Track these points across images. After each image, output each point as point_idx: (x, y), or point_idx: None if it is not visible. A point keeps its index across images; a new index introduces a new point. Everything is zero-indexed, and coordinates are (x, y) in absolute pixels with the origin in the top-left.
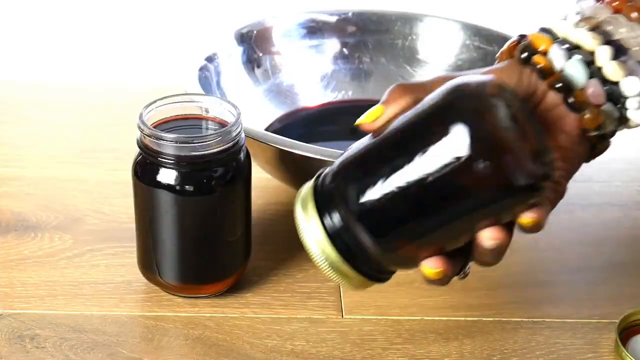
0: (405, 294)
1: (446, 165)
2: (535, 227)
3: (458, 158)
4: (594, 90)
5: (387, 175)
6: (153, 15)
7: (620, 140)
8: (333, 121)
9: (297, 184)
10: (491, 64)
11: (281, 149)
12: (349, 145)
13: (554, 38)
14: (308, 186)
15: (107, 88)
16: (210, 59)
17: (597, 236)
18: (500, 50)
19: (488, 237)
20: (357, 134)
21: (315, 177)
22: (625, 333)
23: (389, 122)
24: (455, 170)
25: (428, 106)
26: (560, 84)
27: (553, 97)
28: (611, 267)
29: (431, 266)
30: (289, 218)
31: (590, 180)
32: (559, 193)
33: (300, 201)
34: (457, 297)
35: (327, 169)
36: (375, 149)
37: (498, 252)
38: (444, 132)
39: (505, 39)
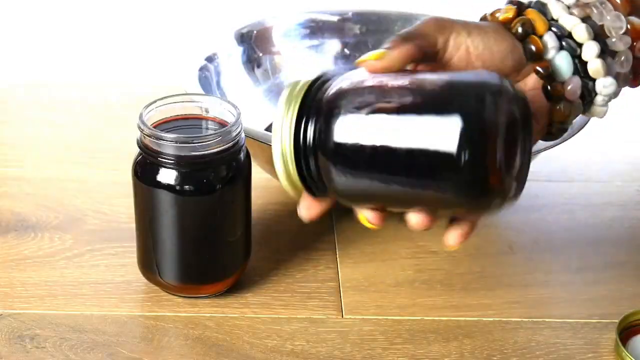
0: (405, 294)
1: (430, 151)
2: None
3: (443, 150)
4: (573, 87)
5: (380, 127)
6: (153, 15)
7: (621, 140)
8: None
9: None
10: None
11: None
12: None
13: (549, 19)
14: (304, 83)
15: (107, 88)
16: (210, 59)
17: (597, 236)
18: (493, 11)
19: (416, 221)
20: None
21: (316, 77)
22: (625, 333)
23: (389, 68)
24: (433, 159)
25: (444, 84)
26: (546, 73)
27: (534, 80)
28: (611, 267)
29: (369, 219)
30: (289, 218)
31: (590, 180)
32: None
33: (289, 92)
34: (457, 297)
35: (331, 81)
36: (381, 96)
37: (418, 230)
38: (446, 117)
39: None
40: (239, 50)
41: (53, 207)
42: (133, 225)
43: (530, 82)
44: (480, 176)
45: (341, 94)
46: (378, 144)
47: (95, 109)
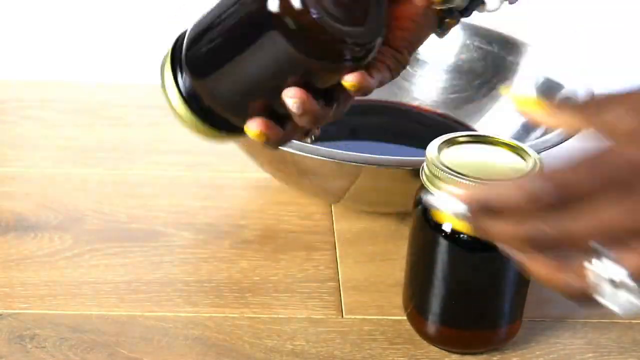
0: None
1: (255, 16)
2: (358, 89)
3: (267, 11)
4: None
5: (211, 26)
6: (153, 15)
7: None
8: (333, 121)
9: (298, 184)
10: (491, 64)
11: (282, 149)
12: (348, 145)
13: None
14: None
15: (107, 88)
16: None
17: None
18: None
19: (288, 95)
20: (357, 134)
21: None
22: None
23: None
24: (262, 22)
25: None
26: None
27: None
28: None
29: (251, 127)
30: (289, 218)
31: None
32: (400, 61)
33: (161, 65)
34: None
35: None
36: (212, 6)
37: (303, 113)
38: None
39: (504, 38)
40: None
41: (53, 207)
42: (133, 225)
43: None
44: (295, 17)
45: (187, 38)
46: (218, 37)
47: (95, 109)
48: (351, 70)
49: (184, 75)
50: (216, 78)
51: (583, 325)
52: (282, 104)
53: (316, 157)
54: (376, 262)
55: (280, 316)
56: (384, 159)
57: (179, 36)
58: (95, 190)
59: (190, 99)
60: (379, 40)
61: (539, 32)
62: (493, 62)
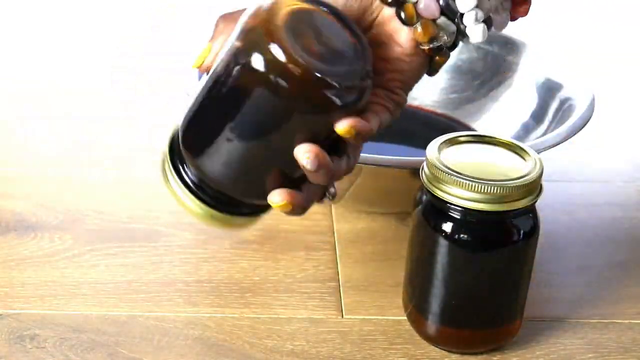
0: None
1: (244, 88)
2: (354, 135)
3: (254, 80)
4: (425, 4)
5: (203, 109)
6: (153, 15)
7: (621, 140)
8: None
9: None
10: (491, 64)
11: None
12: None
13: None
14: (166, 149)
15: (107, 88)
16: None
17: (597, 236)
18: None
19: (302, 152)
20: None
21: (173, 132)
22: None
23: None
24: (245, 89)
25: (231, 37)
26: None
27: (388, 10)
28: (611, 267)
29: (275, 200)
30: (289, 218)
31: (590, 180)
32: (397, 102)
33: (161, 164)
34: None
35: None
36: (198, 91)
37: (318, 168)
38: (244, 61)
39: (504, 38)
40: None
41: (53, 207)
42: (133, 225)
43: (387, 15)
44: (281, 72)
45: (181, 128)
46: (210, 119)
47: (95, 109)
48: (343, 116)
49: (185, 168)
50: (219, 158)
51: (583, 325)
52: (293, 167)
53: None
54: (376, 262)
55: (280, 316)
56: (384, 159)
57: (173, 131)
58: (95, 190)
59: (199, 190)
60: (369, 82)
61: (539, 32)
62: (493, 62)
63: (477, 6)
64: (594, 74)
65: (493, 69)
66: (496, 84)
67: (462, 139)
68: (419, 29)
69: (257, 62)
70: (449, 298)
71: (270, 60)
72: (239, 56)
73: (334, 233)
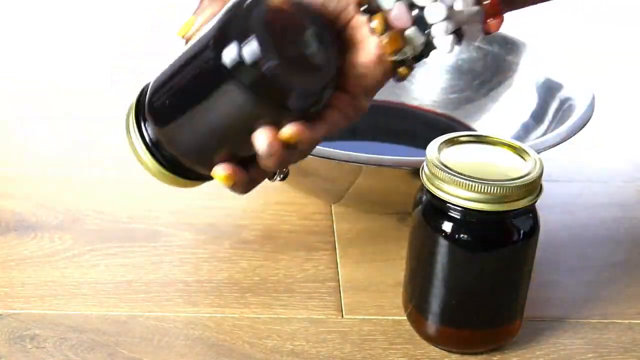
0: None
1: (214, 71)
2: (296, 143)
3: (219, 66)
4: (396, 14)
5: (172, 78)
6: (153, 15)
7: (621, 140)
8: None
9: (298, 184)
10: (491, 64)
11: None
12: (349, 145)
13: None
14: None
15: (107, 88)
16: None
17: (597, 236)
18: None
19: (259, 137)
20: (357, 134)
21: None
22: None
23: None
24: (213, 75)
25: (212, 24)
26: (366, 6)
27: (363, 16)
28: (611, 267)
29: (218, 172)
30: (289, 218)
31: (590, 180)
32: (357, 107)
33: (126, 115)
34: None
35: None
36: (175, 59)
37: (270, 155)
38: (219, 47)
39: (504, 38)
40: None
41: (53, 207)
42: (133, 225)
43: (360, 20)
44: (249, 65)
45: (156, 82)
46: (175, 90)
47: (95, 109)
48: (293, 120)
49: (147, 124)
50: (178, 127)
51: (583, 325)
52: (245, 148)
53: (316, 157)
54: (376, 262)
55: (280, 316)
56: (384, 159)
57: (144, 87)
58: (95, 190)
59: (155, 148)
60: (328, 93)
61: (539, 32)
62: (493, 62)
63: (447, 18)
64: (594, 74)
65: (493, 69)
66: (496, 84)
67: (462, 139)
68: (385, 40)
69: (231, 52)
70: (449, 298)
71: (242, 54)
72: (215, 41)
73: (334, 233)
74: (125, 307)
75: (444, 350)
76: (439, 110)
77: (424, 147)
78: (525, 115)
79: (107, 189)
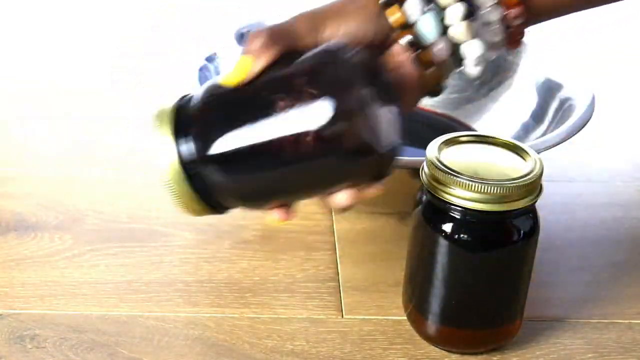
0: None
1: (296, 134)
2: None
3: (308, 130)
4: (439, 50)
5: (248, 129)
6: (153, 15)
7: (621, 140)
8: None
9: None
10: (491, 64)
11: None
12: None
13: None
14: (168, 106)
15: (107, 88)
16: (210, 59)
17: (597, 236)
18: None
19: (341, 200)
20: None
21: (179, 99)
22: None
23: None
24: (303, 141)
25: (301, 72)
26: (410, 39)
27: (401, 46)
28: (611, 267)
29: (276, 217)
30: None
31: (590, 180)
32: None
33: (158, 117)
34: None
35: (193, 98)
36: (243, 101)
37: (345, 210)
38: (300, 101)
39: None
40: (239, 50)
41: (53, 207)
42: (133, 225)
43: (399, 48)
44: (352, 147)
45: (211, 104)
46: (256, 144)
47: (95, 109)
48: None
49: (194, 148)
50: (243, 176)
51: (583, 325)
52: (309, 199)
53: None
54: (376, 262)
55: (280, 316)
56: None
57: (187, 97)
58: (95, 190)
59: (195, 177)
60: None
61: (539, 32)
62: (493, 62)
63: (482, 53)
64: (594, 74)
65: (493, 69)
66: (496, 84)
67: (462, 139)
68: (430, 72)
69: (337, 134)
70: (449, 298)
71: (356, 142)
72: (316, 116)
73: (334, 233)
74: (125, 307)
75: (444, 350)
76: (439, 110)
77: (424, 147)
78: (525, 115)
79: (107, 189)
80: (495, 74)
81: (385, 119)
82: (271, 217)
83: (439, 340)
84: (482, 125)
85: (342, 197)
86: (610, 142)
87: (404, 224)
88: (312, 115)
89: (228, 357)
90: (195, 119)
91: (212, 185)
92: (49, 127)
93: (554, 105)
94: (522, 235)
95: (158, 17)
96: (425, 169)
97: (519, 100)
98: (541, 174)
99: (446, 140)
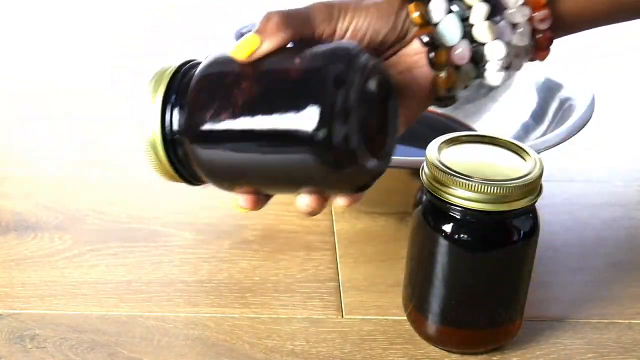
0: None
1: (286, 133)
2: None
3: (298, 133)
4: (460, 52)
5: (235, 113)
6: (153, 15)
7: (621, 140)
8: None
9: None
10: None
11: None
12: None
13: None
14: (171, 68)
15: (107, 88)
16: None
17: (597, 236)
18: None
19: (304, 204)
20: None
21: (182, 63)
22: None
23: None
24: (289, 142)
25: (299, 69)
26: (429, 39)
27: (417, 44)
28: (611, 267)
29: (242, 204)
30: (289, 218)
31: (590, 180)
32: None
33: (156, 77)
34: None
35: (196, 67)
36: (243, 82)
37: (310, 214)
38: (300, 101)
39: None
40: None
41: (53, 207)
42: (133, 225)
43: (415, 47)
44: (334, 154)
45: (206, 80)
46: (240, 129)
47: (95, 109)
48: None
49: (178, 120)
50: (226, 162)
51: (583, 325)
52: (277, 193)
53: None
54: (376, 262)
55: (280, 316)
56: None
57: (186, 65)
58: (95, 190)
59: (173, 145)
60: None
61: None
62: None
63: (507, 55)
64: (594, 74)
65: None
66: None
67: (462, 139)
68: (444, 75)
69: (325, 132)
70: (449, 298)
71: (337, 139)
72: (308, 105)
73: (334, 233)
74: (125, 307)
75: (444, 350)
76: (439, 110)
77: (424, 147)
78: (525, 115)
79: (107, 189)
80: None
81: (382, 130)
82: (240, 204)
83: (439, 340)
84: (482, 125)
85: (304, 200)
86: (610, 142)
87: (404, 224)
88: (300, 114)
89: (228, 357)
90: (188, 90)
91: (188, 158)
92: (49, 127)
93: (554, 105)
94: (522, 235)
95: (158, 17)
96: (425, 169)
97: (519, 100)
98: (541, 174)
99: (446, 140)
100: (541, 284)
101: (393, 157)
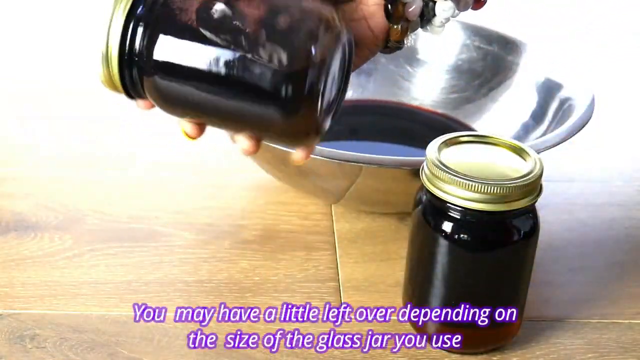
0: None
1: (248, 81)
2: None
3: (261, 83)
4: (414, 8)
5: (194, 44)
6: None
7: (621, 140)
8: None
9: (298, 184)
10: (491, 63)
11: (282, 150)
12: (348, 145)
13: None
14: None
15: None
16: None
17: (597, 236)
18: None
19: (243, 145)
20: (357, 134)
21: None
22: None
23: None
24: (250, 89)
25: (268, 14)
26: None
27: None
28: (611, 267)
29: (188, 130)
30: (289, 218)
31: (590, 180)
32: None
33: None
34: None
35: None
36: (203, 14)
37: (245, 154)
38: (266, 52)
39: (504, 38)
40: None
41: (53, 207)
42: (133, 225)
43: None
44: (295, 106)
45: (172, 5)
46: (200, 67)
47: (95, 109)
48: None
49: (138, 40)
50: (180, 87)
51: (583, 325)
52: (222, 127)
53: (316, 157)
54: (376, 262)
55: (280, 316)
56: (384, 159)
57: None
58: (95, 190)
59: (130, 62)
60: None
61: (539, 32)
62: (493, 62)
63: (453, 13)
64: (594, 74)
65: (493, 69)
66: (496, 84)
67: (462, 139)
68: (399, 28)
69: (285, 85)
70: (449, 298)
71: (297, 82)
72: (269, 43)
73: (334, 233)
74: (125, 307)
75: (444, 350)
76: (439, 110)
77: (424, 147)
78: (525, 115)
79: (107, 189)
80: (495, 74)
81: (337, 89)
82: (183, 128)
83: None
84: (482, 125)
85: (243, 141)
86: (610, 142)
87: (404, 224)
88: (269, 55)
89: (228, 357)
90: (155, 12)
91: (142, 80)
92: (49, 127)
93: (554, 105)
94: (522, 235)
95: None
96: (425, 169)
97: (519, 100)
98: (541, 174)
99: (446, 140)
100: (541, 284)
101: (393, 157)
